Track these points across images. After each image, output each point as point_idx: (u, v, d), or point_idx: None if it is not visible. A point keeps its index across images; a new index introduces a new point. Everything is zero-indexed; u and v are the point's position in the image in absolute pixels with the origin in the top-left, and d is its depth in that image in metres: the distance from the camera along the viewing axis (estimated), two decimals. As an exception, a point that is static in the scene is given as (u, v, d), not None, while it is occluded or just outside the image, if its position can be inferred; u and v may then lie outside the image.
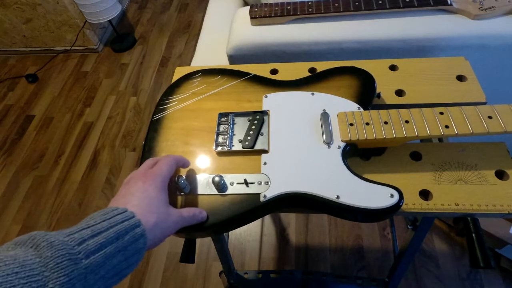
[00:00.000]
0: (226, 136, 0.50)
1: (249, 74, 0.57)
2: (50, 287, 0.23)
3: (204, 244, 1.21)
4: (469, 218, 0.46)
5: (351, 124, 0.47)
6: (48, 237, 0.25)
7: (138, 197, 0.35)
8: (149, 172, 0.39)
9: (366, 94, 0.51)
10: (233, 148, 0.48)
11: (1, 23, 1.87)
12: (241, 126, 0.51)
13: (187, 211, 0.40)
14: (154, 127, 0.53)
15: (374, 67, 0.58)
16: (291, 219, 1.24)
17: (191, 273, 1.16)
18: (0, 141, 1.64)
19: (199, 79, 0.58)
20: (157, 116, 0.54)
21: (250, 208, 0.43)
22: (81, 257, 0.26)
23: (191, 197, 0.45)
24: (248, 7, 0.77)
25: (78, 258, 0.26)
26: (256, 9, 0.76)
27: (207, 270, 1.16)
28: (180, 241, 0.64)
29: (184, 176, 0.44)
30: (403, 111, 0.46)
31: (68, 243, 0.26)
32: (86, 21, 1.82)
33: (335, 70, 0.55)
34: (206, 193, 0.45)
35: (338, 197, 0.41)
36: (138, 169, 0.41)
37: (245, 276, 0.91)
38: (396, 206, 0.39)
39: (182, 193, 0.45)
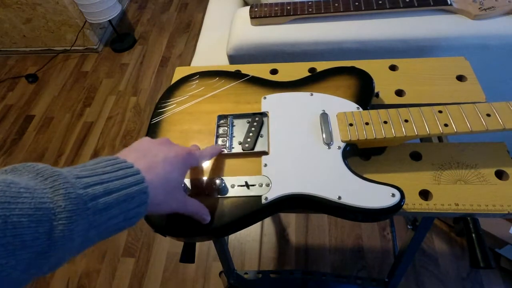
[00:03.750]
0: (225, 139, 0.49)
1: (247, 75, 0.57)
2: (53, 235, 0.24)
3: (204, 244, 1.21)
4: (469, 218, 0.46)
5: (351, 124, 0.47)
6: (68, 186, 0.26)
7: (161, 168, 0.34)
8: (189, 153, 0.39)
9: (364, 93, 0.51)
10: (233, 150, 0.48)
11: (1, 23, 1.87)
12: (240, 128, 0.50)
13: (194, 206, 0.40)
14: (153, 131, 0.53)
15: (374, 67, 0.58)
16: (291, 219, 1.24)
17: (191, 273, 1.16)
18: (0, 141, 1.64)
19: (197, 81, 0.58)
20: (155, 120, 0.54)
21: (252, 211, 0.42)
22: (89, 213, 0.27)
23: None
24: (248, 7, 0.77)
25: (87, 213, 0.26)
26: (256, 9, 0.75)
27: (207, 270, 1.16)
28: (180, 241, 0.64)
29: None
30: (402, 110, 0.46)
31: (83, 198, 0.26)
32: (86, 21, 1.82)
33: (333, 70, 0.55)
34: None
35: (339, 197, 0.41)
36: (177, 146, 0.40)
37: (245, 276, 0.91)
38: (398, 206, 0.39)
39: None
